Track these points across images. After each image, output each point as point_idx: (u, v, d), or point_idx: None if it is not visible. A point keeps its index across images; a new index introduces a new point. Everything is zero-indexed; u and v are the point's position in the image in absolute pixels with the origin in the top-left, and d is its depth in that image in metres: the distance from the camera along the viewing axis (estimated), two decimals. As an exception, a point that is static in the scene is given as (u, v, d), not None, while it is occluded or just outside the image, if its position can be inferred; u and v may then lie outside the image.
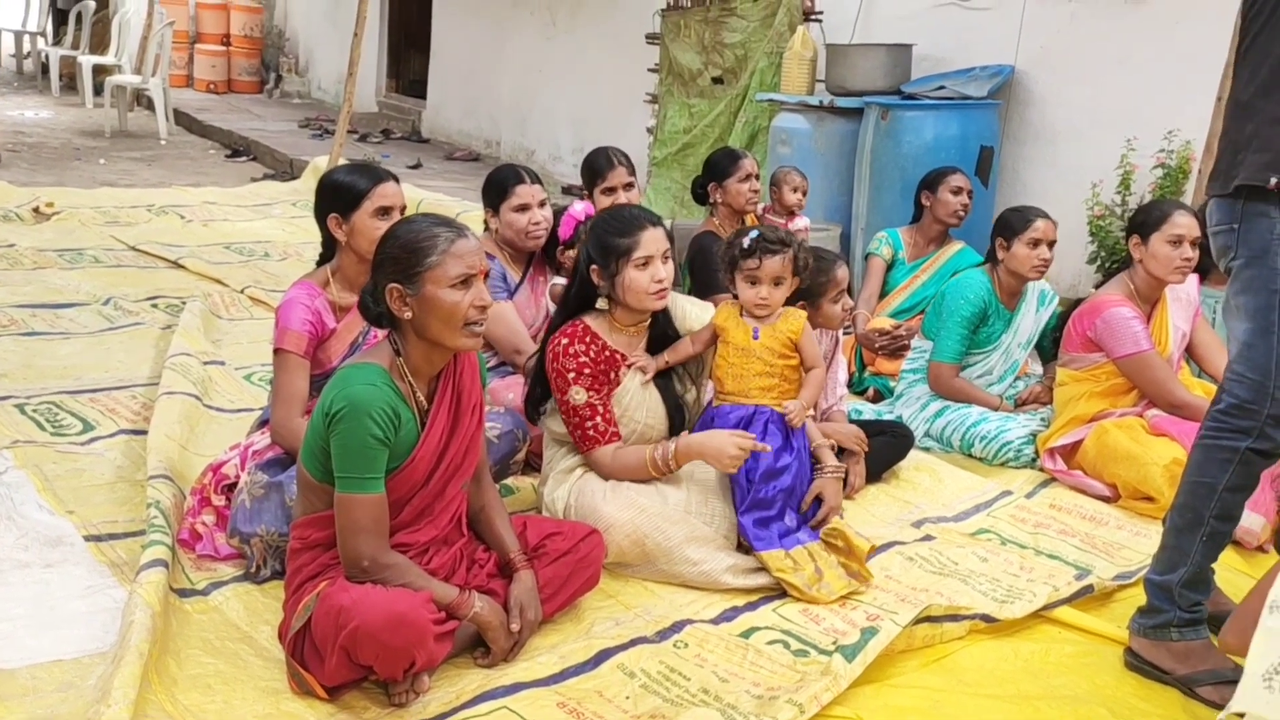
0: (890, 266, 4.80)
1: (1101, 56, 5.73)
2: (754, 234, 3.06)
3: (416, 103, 12.13)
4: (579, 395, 2.94)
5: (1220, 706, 2.47)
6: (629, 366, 3.01)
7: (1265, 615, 1.74)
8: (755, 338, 3.05)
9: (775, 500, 2.95)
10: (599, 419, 2.96)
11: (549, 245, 3.83)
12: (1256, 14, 2.39)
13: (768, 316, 3.07)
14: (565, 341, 2.96)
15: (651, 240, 2.92)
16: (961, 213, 4.64)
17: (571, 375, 2.93)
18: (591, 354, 2.96)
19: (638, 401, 3.03)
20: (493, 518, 2.63)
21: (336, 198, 3.00)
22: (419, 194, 7.56)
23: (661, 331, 3.11)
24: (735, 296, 3.11)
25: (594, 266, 2.96)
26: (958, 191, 4.62)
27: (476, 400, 2.53)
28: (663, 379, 3.09)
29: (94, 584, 2.74)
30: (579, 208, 3.88)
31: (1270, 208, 2.34)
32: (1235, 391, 2.46)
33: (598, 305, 3.02)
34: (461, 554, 2.55)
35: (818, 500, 3.05)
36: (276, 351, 2.93)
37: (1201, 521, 2.50)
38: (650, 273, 2.92)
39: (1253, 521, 3.23)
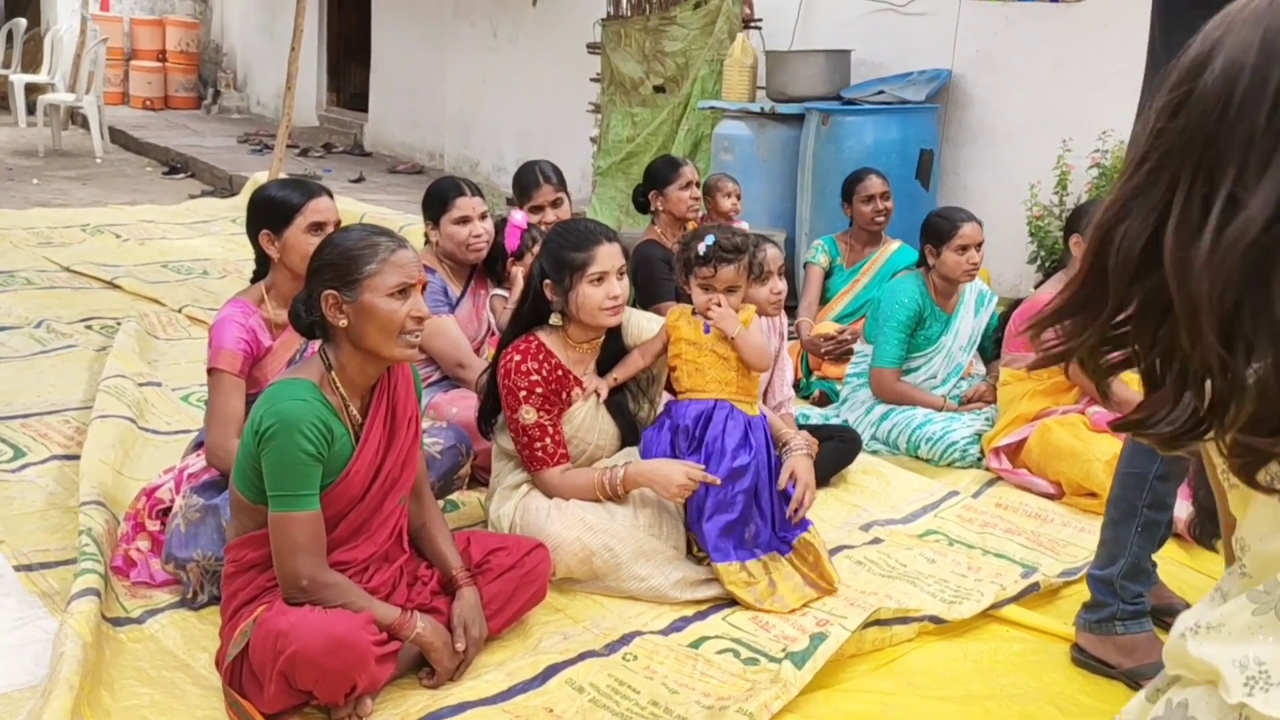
0: (829, 273, 4.84)
1: (1036, 59, 5.81)
2: (710, 240, 2.98)
3: (358, 116, 12.02)
4: (529, 415, 2.90)
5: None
6: (584, 393, 2.97)
7: None
8: (706, 332, 3.01)
9: (736, 502, 2.89)
10: (548, 440, 2.92)
11: (490, 258, 3.79)
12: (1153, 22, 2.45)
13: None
14: (518, 358, 2.92)
15: (606, 256, 2.88)
16: (880, 219, 4.69)
17: (523, 394, 2.89)
18: (544, 372, 2.92)
19: (589, 424, 2.99)
20: (434, 534, 2.59)
21: (268, 214, 2.94)
22: (361, 208, 7.48)
23: (614, 348, 3.06)
24: (682, 297, 3.07)
25: (547, 281, 2.91)
26: (869, 200, 4.68)
27: (412, 413, 2.49)
28: (615, 397, 3.05)
29: (24, 615, 2.65)
30: (519, 217, 3.86)
31: None
32: None
33: (551, 321, 2.98)
34: (403, 571, 2.51)
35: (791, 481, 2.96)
36: (210, 371, 2.86)
37: (1135, 512, 2.54)
38: (605, 289, 2.87)
39: (1185, 510, 3.27)
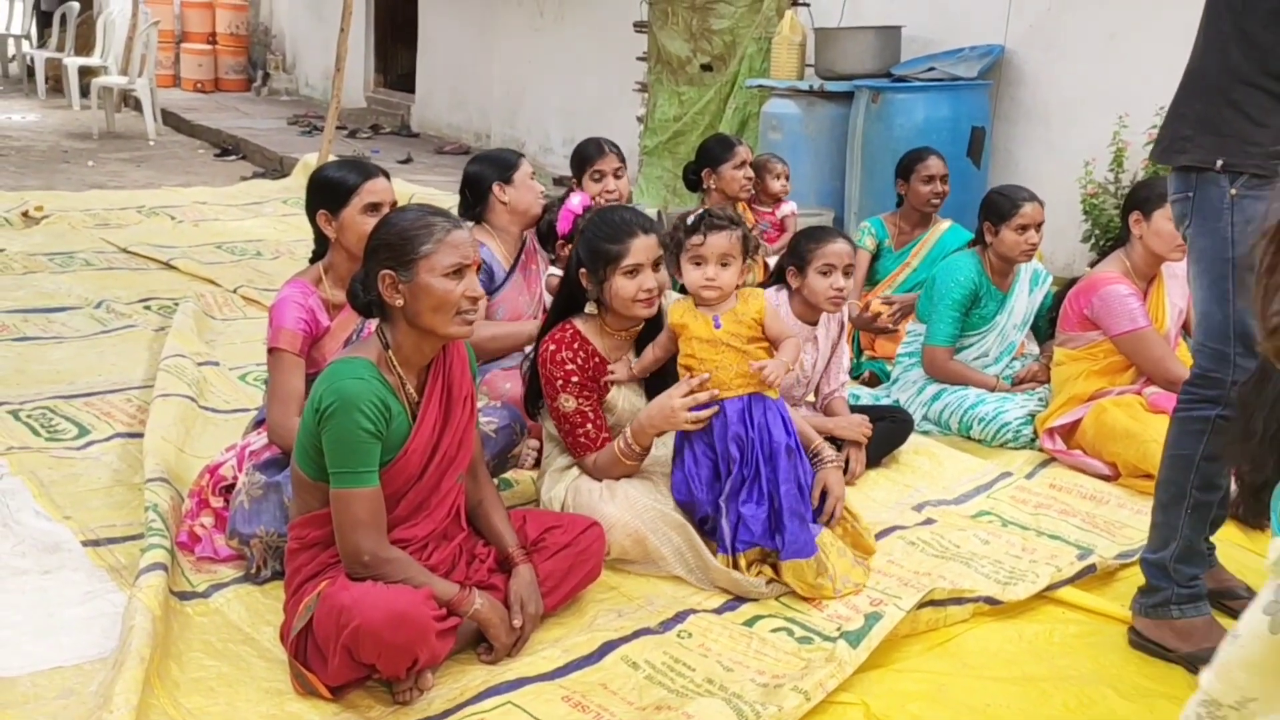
0: (877, 255, 4.79)
1: (1091, 34, 5.72)
2: (700, 213, 2.87)
3: (405, 97, 12.09)
4: (568, 403, 2.91)
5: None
6: (607, 380, 2.94)
7: None
8: (717, 327, 2.84)
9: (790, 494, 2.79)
10: (589, 425, 2.93)
11: (544, 234, 3.84)
12: None
13: (718, 301, 2.84)
14: (553, 348, 2.92)
15: (641, 248, 2.84)
16: (936, 200, 4.62)
17: (559, 383, 2.90)
18: (579, 361, 2.92)
19: (629, 412, 2.98)
20: (490, 512, 2.62)
21: (326, 194, 2.98)
22: (410, 189, 7.54)
23: (652, 336, 3.02)
24: (682, 288, 2.94)
25: (582, 270, 2.91)
26: (929, 180, 4.60)
27: (468, 392, 2.52)
28: (654, 384, 3.01)
29: (93, 589, 2.72)
30: (575, 201, 3.89)
31: (1221, 177, 2.39)
32: (1199, 361, 2.50)
33: (586, 310, 2.97)
34: (461, 549, 2.54)
35: (823, 494, 2.96)
36: (271, 350, 2.91)
37: (1184, 494, 2.51)
38: (638, 282, 2.84)
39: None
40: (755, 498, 2.79)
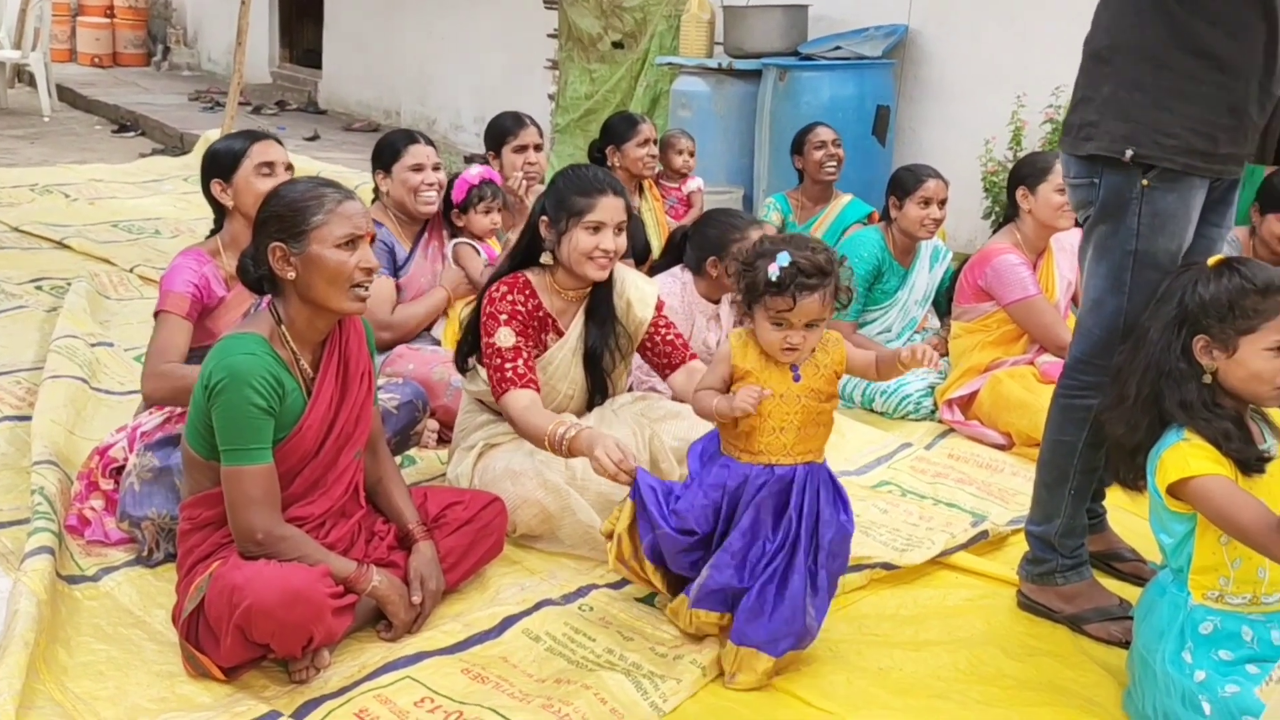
0: (781, 230, 4.84)
1: (991, 15, 5.83)
2: (783, 260, 2.22)
3: (312, 73, 11.83)
4: (507, 338, 2.82)
5: (1106, 641, 2.56)
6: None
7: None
8: (796, 380, 2.34)
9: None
10: (520, 362, 2.83)
11: (446, 210, 3.79)
12: None
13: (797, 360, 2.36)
14: (504, 289, 2.88)
15: (608, 208, 2.83)
16: (831, 165, 4.68)
17: (504, 317, 2.84)
18: (527, 307, 2.88)
19: (561, 372, 2.95)
20: (390, 489, 2.59)
21: (217, 164, 2.95)
22: (317, 165, 7.40)
23: (600, 302, 2.98)
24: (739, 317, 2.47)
25: (544, 218, 2.88)
26: (821, 146, 4.66)
27: (365, 367, 2.48)
28: (593, 350, 2.97)
29: (-23, 575, 2.64)
30: (474, 171, 3.84)
31: (1132, 166, 2.33)
32: (1082, 346, 2.49)
33: (542, 260, 2.92)
34: (360, 526, 2.51)
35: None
36: (157, 314, 2.85)
37: (1067, 478, 2.56)
38: (597, 240, 2.82)
39: None
40: (778, 582, 2.33)
